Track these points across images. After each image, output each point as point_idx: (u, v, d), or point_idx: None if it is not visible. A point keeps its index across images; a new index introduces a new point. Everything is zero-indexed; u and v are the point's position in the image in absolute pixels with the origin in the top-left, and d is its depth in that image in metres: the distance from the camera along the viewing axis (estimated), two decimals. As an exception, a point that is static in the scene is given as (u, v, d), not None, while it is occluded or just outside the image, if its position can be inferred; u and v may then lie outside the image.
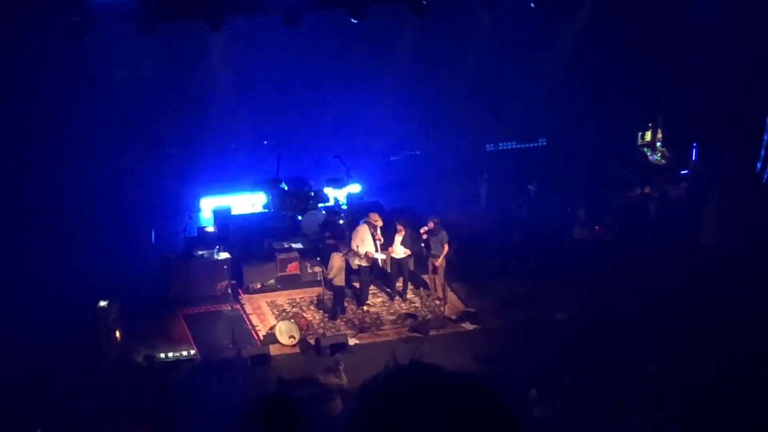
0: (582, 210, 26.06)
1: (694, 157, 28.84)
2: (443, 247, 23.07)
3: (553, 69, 29.31)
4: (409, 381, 2.43)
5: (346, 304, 23.45)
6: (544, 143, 30.70)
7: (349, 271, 23.44)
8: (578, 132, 28.74)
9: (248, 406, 4.85)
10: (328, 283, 23.16)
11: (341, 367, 19.58)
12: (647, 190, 28.56)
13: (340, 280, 22.89)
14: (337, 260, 22.79)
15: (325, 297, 23.39)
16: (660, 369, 19.52)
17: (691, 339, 20.41)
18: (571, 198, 26.92)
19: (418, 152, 29.81)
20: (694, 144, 28.68)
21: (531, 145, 30.74)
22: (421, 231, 23.28)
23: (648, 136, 30.29)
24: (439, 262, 23.16)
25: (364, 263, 23.25)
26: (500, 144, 30.59)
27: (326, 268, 23.03)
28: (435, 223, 23.17)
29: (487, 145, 30.51)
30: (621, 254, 24.78)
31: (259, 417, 4.76)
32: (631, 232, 26.00)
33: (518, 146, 30.69)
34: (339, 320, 23.03)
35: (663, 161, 29.76)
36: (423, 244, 23.58)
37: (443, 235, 23.11)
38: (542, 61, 29.47)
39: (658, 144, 30.10)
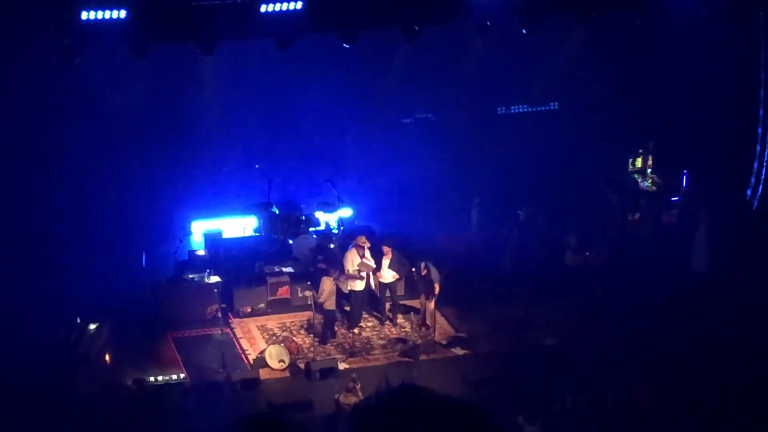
0: (573, 235, 26.06)
1: (684, 184, 28.91)
2: (435, 287, 23.06)
3: (544, 96, 29.40)
4: (401, 404, 2.42)
5: (336, 329, 23.41)
6: (536, 168, 30.73)
7: (340, 296, 23.40)
8: (569, 158, 28.77)
9: (235, 425, 4.82)
10: (318, 308, 23.14)
11: (358, 386, 19.43)
12: (638, 216, 28.58)
13: (330, 305, 22.87)
14: (327, 284, 22.77)
15: (316, 321, 23.36)
16: (648, 395, 19.49)
17: (680, 365, 20.41)
18: (562, 223, 26.93)
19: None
20: (685, 171, 28.76)
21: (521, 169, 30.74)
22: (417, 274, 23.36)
23: (639, 162, 30.37)
24: (431, 302, 23.20)
25: (356, 287, 23.21)
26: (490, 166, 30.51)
27: (317, 293, 23.02)
28: (427, 268, 23.13)
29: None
30: (611, 280, 24.78)
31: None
32: (622, 258, 26.01)
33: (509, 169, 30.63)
34: (329, 344, 22.98)
35: (654, 187, 29.82)
36: (418, 279, 23.55)
37: (433, 272, 23.06)
38: (532, 88, 29.58)
39: (649, 170, 30.18)
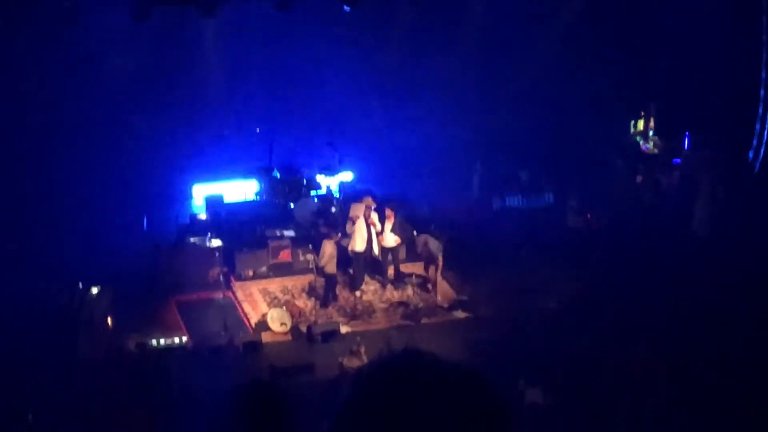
0: (574, 198, 26.06)
1: (686, 146, 28.84)
2: (438, 259, 23.11)
3: (545, 58, 29.27)
4: (403, 368, 2.43)
5: (337, 292, 23.46)
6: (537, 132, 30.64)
7: (343, 259, 23.45)
8: (570, 120, 28.70)
9: (234, 394, 4.85)
10: (319, 271, 23.17)
11: (362, 350, 19.46)
12: (639, 179, 28.55)
13: (331, 268, 22.91)
14: (328, 247, 22.80)
15: (317, 285, 23.40)
16: (649, 359, 19.53)
17: (681, 329, 20.42)
18: (564, 186, 26.93)
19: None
20: (687, 133, 28.69)
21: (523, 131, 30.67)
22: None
23: (640, 125, 30.27)
24: (437, 269, 23.27)
25: (356, 247, 23.22)
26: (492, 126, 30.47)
27: (318, 256, 23.05)
28: (422, 243, 23.20)
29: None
30: (612, 243, 24.79)
31: (246, 405, 4.76)
32: (624, 222, 26.00)
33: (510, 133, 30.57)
34: (331, 308, 23.03)
35: (655, 150, 29.75)
36: (420, 252, 23.59)
37: (434, 245, 23.08)
38: (534, 49, 29.45)
39: (651, 133, 30.08)
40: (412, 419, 2.34)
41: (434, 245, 23.02)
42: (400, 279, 24.04)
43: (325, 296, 23.14)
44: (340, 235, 23.25)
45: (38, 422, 17.08)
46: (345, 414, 2.42)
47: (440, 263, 23.18)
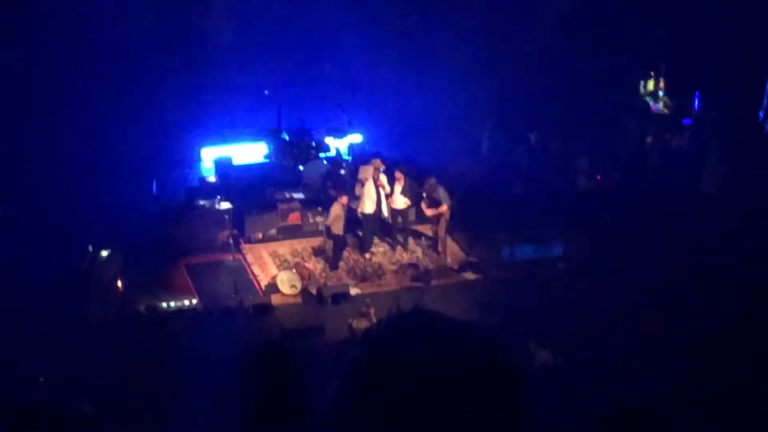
0: (584, 158, 26.00)
1: (696, 107, 28.73)
2: (443, 210, 23.06)
3: (555, 17, 29.09)
4: (412, 328, 2.43)
5: (347, 254, 23.48)
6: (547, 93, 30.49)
7: (353, 222, 23.47)
8: (579, 80, 28.58)
9: (245, 356, 4.86)
10: (327, 232, 23.17)
11: (372, 311, 19.49)
12: (649, 139, 28.47)
13: (338, 229, 22.87)
14: (335, 209, 22.79)
15: (327, 247, 23.41)
16: (662, 321, 19.55)
17: (691, 290, 20.43)
18: (574, 147, 26.86)
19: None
20: (697, 93, 28.57)
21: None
22: (427, 213, 23.29)
23: (650, 84, 30.13)
24: (444, 224, 23.23)
25: (366, 209, 23.21)
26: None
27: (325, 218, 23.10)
28: (431, 185, 23.15)
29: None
30: (622, 204, 24.75)
31: (256, 365, 4.77)
32: (634, 182, 25.95)
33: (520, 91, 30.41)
34: (341, 270, 23.05)
35: (665, 110, 29.64)
36: (425, 204, 23.51)
37: (441, 193, 23.06)
38: (543, 8, 29.26)
39: (661, 93, 29.96)
40: (421, 380, 2.34)
41: (443, 193, 23.00)
42: (409, 241, 24.04)
43: (334, 258, 23.16)
44: (347, 196, 23.22)
45: (49, 385, 17.14)
46: (354, 374, 2.41)
47: (446, 218, 23.13)
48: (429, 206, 23.31)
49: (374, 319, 19.32)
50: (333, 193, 24.13)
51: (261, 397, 4.76)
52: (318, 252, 23.64)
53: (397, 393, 2.33)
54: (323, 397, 2.50)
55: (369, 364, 2.40)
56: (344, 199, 22.91)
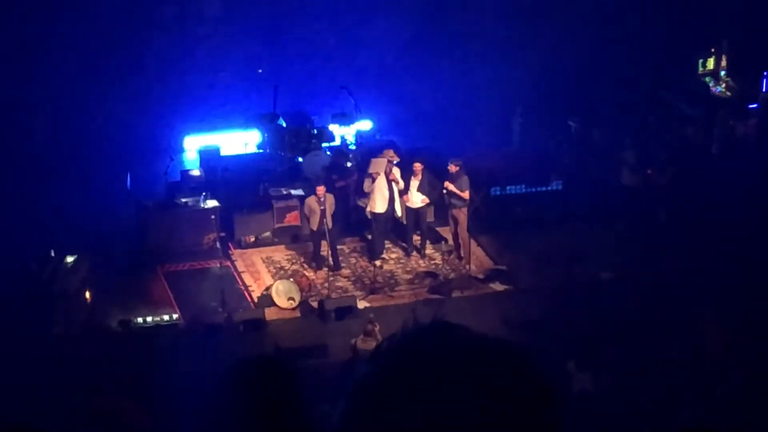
0: (631, 150, 25.99)
1: (764, 89, 28.73)
2: (465, 196, 23.04)
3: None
4: (430, 343, 2.41)
5: (354, 260, 23.51)
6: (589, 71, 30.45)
7: (361, 222, 23.51)
8: (628, 59, 28.57)
9: (232, 372, 4.85)
10: (330, 235, 23.04)
11: (378, 329, 19.49)
12: (709, 127, 28.45)
13: (314, 224, 22.72)
14: (309, 201, 22.74)
15: (327, 252, 23.34)
16: (722, 338, 19.52)
17: (758, 305, 20.35)
18: (620, 136, 26.86)
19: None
20: (765, 73, 28.56)
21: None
22: (446, 186, 23.17)
23: (710, 63, 30.13)
24: (461, 213, 23.17)
25: (376, 208, 23.20)
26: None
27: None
28: (457, 167, 23.11)
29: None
30: (677, 202, 24.74)
31: (246, 384, 4.75)
32: (690, 176, 25.91)
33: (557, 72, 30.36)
34: (347, 279, 23.09)
35: (728, 93, 29.63)
36: (444, 191, 23.47)
37: (464, 180, 23.06)
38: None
39: (723, 73, 29.95)
40: (442, 405, 2.32)
41: (465, 182, 22.97)
42: (427, 245, 24.06)
43: (315, 256, 23.23)
44: (323, 186, 22.98)
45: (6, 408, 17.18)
46: (363, 397, 2.39)
47: (465, 214, 23.10)
48: (452, 201, 23.27)
49: (380, 338, 19.31)
50: (339, 184, 24.08)
51: (251, 422, 4.74)
52: (314, 257, 23.58)
53: (413, 419, 2.32)
54: (327, 424, 2.48)
55: (380, 385, 2.38)
56: (321, 190, 22.79)
